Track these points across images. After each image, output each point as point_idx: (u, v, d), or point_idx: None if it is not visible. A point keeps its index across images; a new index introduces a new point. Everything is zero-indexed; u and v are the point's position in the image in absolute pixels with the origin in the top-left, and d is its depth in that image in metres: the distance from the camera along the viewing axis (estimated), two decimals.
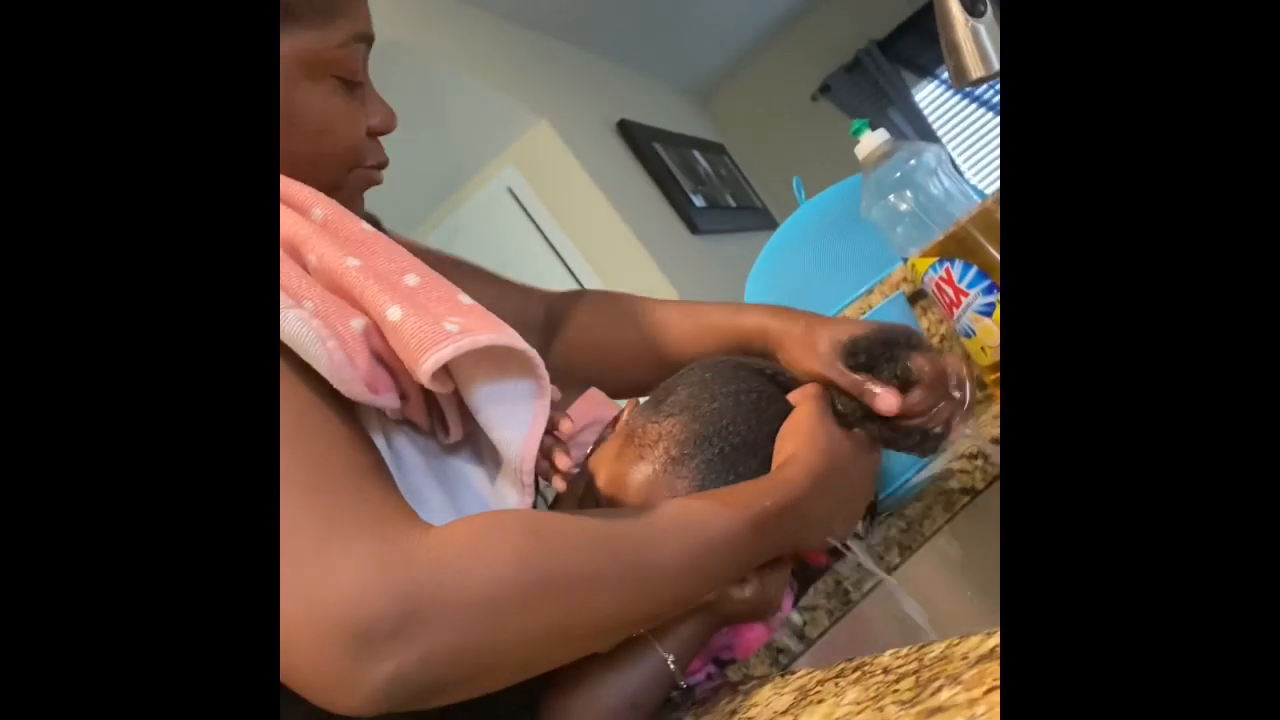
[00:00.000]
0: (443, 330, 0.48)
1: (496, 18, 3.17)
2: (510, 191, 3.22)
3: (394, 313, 0.48)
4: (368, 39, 0.63)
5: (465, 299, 0.52)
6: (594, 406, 0.72)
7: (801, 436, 0.60)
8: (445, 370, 0.50)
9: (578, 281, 3.15)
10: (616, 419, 0.65)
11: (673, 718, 0.56)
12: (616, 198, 3.18)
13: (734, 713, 0.49)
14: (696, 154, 4.17)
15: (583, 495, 0.61)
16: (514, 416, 0.53)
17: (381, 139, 0.69)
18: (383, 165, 0.69)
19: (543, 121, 3.13)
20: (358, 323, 0.49)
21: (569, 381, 0.75)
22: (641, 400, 0.68)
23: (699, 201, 3.75)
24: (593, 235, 3.14)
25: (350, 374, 0.47)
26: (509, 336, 0.50)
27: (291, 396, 0.46)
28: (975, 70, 0.68)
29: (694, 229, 3.55)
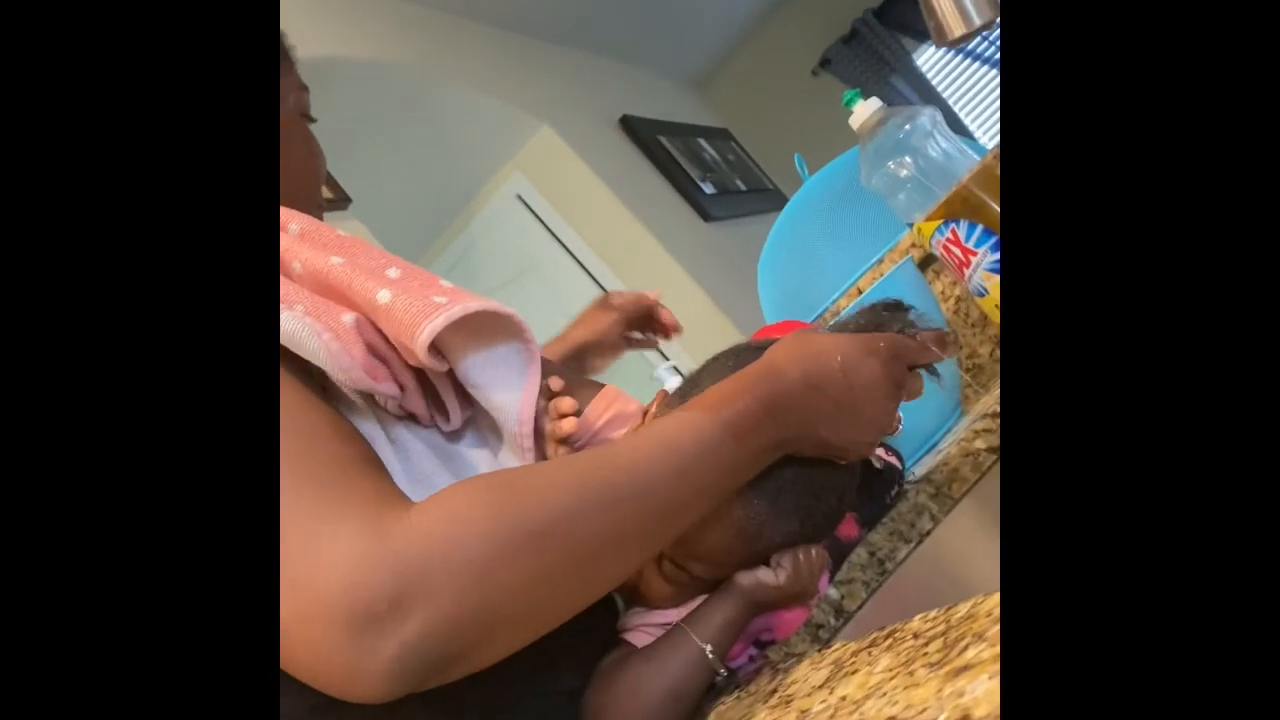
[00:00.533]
0: (432, 303, 0.51)
1: (488, 27, 3.18)
2: (520, 198, 3.23)
3: (383, 295, 0.51)
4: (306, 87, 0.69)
5: (446, 283, 0.54)
6: (613, 401, 0.72)
7: (791, 338, 0.58)
8: (437, 350, 0.52)
9: (594, 281, 3.16)
10: (646, 411, 0.65)
11: (717, 700, 0.57)
12: (626, 194, 3.19)
13: (774, 691, 0.49)
14: (702, 142, 4.16)
15: None
16: (507, 380, 0.55)
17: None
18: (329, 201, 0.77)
19: (545, 126, 3.14)
20: (348, 317, 0.51)
21: None
22: (670, 390, 0.68)
23: (708, 189, 3.74)
24: (605, 234, 3.15)
25: (348, 362, 0.50)
26: (495, 303, 0.53)
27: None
28: (955, 29, 0.68)
29: (706, 217, 3.54)
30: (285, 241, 0.54)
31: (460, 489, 0.47)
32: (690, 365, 0.75)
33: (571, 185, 3.16)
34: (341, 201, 2.10)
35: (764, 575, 0.58)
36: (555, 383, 0.59)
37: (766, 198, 4.28)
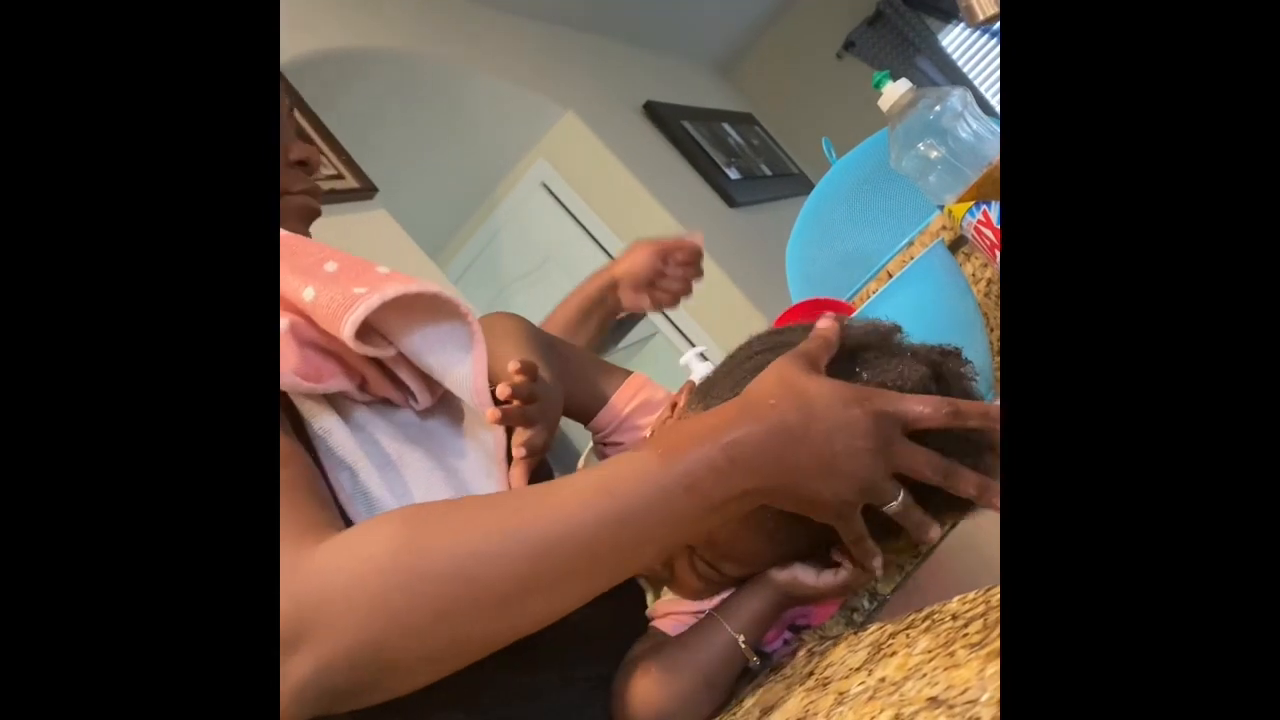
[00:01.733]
0: (351, 294, 0.52)
1: (511, 16, 3.17)
2: (544, 186, 3.23)
3: (308, 293, 0.52)
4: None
5: (383, 269, 0.55)
6: (640, 388, 0.72)
7: (773, 376, 0.52)
8: (377, 335, 0.54)
9: None
10: (675, 403, 0.65)
11: (753, 684, 0.57)
12: (650, 180, 3.18)
13: (811, 674, 0.49)
14: (726, 127, 4.14)
15: None
16: (455, 358, 0.56)
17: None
18: (312, 193, 0.74)
19: (569, 113, 3.13)
20: (283, 322, 0.52)
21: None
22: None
23: (733, 174, 3.72)
24: (630, 220, 3.14)
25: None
26: (416, 284, 0.53)
27: None
28: (988, 8, 0.67)
29: (731, 203, 3.53)
30: None
31: (373, 524, 0.47)
32: (716, 351, 0.75)
33: (596, 172, 3.16)
34: (367, 191, 2.11)
35: (802, 574, 0.57)
36: (512, 365, 0.59)
37: (791, 182, 4.26)
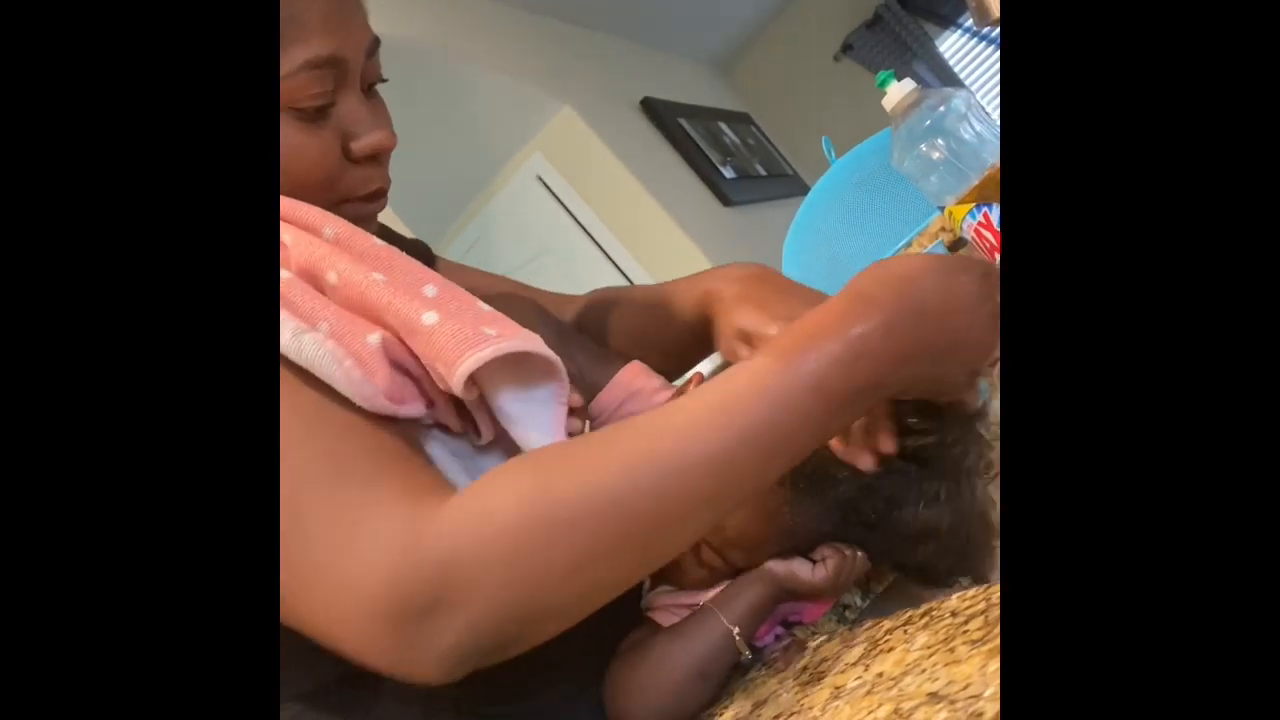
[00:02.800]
0: (482, 334, 0.49)
1: (510, 8, 3.16)
2: (540, 179, 3.22)
3: (429, 317, 0.49)
4: (328, 62, 0.56)
5: (485, 307, 0.53)
6: (634, 379, 0.71)
7: (870, 267, 0.51)
8: (471, 375, 0.50)
9: (613, 263, 3.15)
10: (680, 392, 0.64)
11: (745, 677, 0.57)
12: (645, 177, 3.17)
13: (804, 668, 0.49)
14: (723, 125, 4.14)
15: None
16: (536, 419, 0.53)
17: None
18: (379, 193, 0.62)
19: (566, 107, 3.13)
20: (373, 337, 0.49)
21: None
22: (704, 374, 0.67)
23: (729, 173, 3.72)
24: (625, 216, 3.14)
25: (370, 390, 0.48)
26: (535, 343, 0.51)
27: (300, 399, 0.47)
28: (997, 9, 0.67)
29: (726, 201, 3.53)
30: (322, 249, 0.52)
31: (497, 477, 0.46)
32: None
33: (592, 167, 3.15)
34: None
35: (799, 569, 0.57)
36: (576, 400, 0.57)
37: (786, 183, 4.26)
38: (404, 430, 0.51)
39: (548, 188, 3.22)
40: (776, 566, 0.57)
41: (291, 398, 0.47)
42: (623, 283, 2.94)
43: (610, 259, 3.16)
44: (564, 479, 0.44)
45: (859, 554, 0.59)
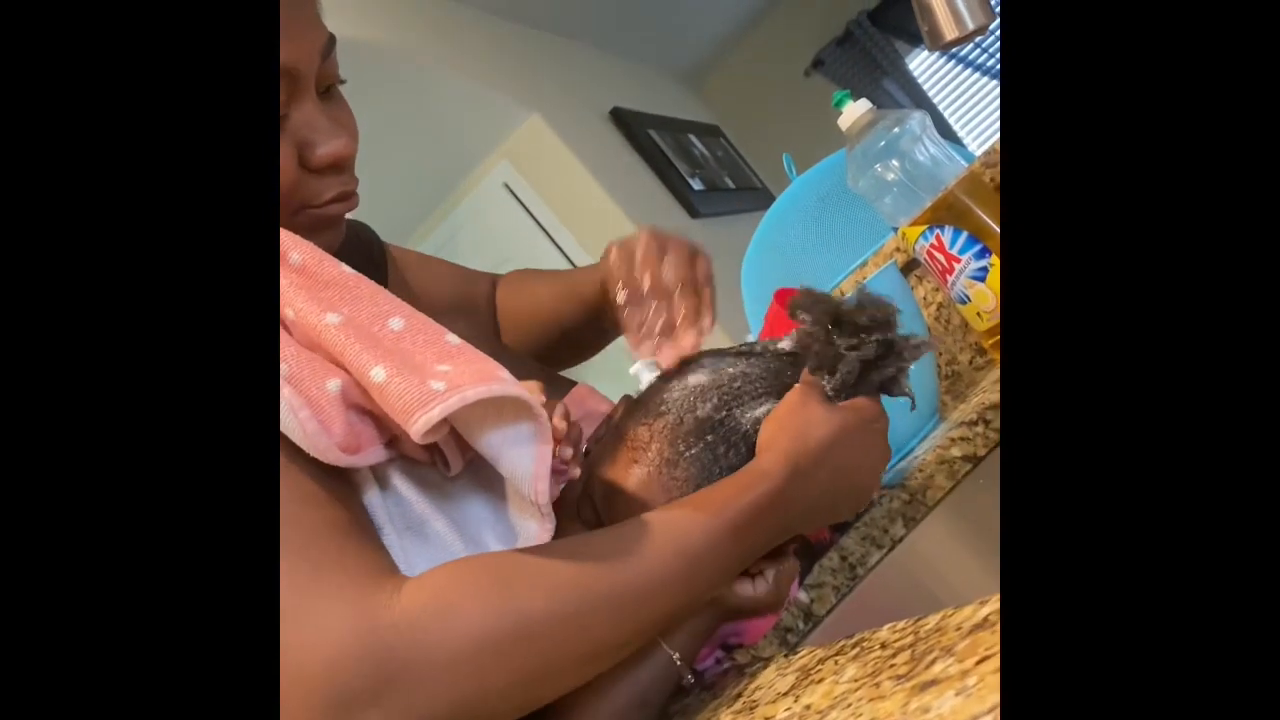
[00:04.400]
0: (429, 390, 0.46)
1: (481, 13, 3.16)
2: (506, 187, 3.21)
3: (377, 374, 0.47)
4: (279, 74, 0.54)
5: (453, 339, 0.50)
6: (584, 400, 0.71)
7: (777, 423, 0.58)
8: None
9: None
10: (610, 417, 0.64)
11: (682, 704, 0.56)
12: (613, 187, 3.17)
13: (739, 696, 0.48)
14: (692, 137, 4.15)
15: (579, 496, 0.60)
16: (517, 455, 0.51)
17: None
18: (343, 198, 0.61)
19: (534, 115, 3.12)
20: (334, 383, 0.48)
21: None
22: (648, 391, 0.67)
23: (697, 185, 3.73)
24: (591, 226, 3.14)
25: (325, 443, 0.47)
26: (499, 386, 0.47)
27: None
28: (949, 31, 0.67)
29: (693, 213, 3.54)
30: (284, 280, 0.49)
31: (456, 571, 0.45)
32: None
33: (559, 176, 3.15)
34: None
35: (740, 586, 0.57)
36: (560, 426, 0.54)
37: (754, 196, 4.28)
38: (364, 509, 0.50)
39: (515, 195, 3.21)
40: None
41: None
42: None
43: (575, 267, 3.15)
44: (530, 592, 0.45)
45: (788, 561, 0.59)
